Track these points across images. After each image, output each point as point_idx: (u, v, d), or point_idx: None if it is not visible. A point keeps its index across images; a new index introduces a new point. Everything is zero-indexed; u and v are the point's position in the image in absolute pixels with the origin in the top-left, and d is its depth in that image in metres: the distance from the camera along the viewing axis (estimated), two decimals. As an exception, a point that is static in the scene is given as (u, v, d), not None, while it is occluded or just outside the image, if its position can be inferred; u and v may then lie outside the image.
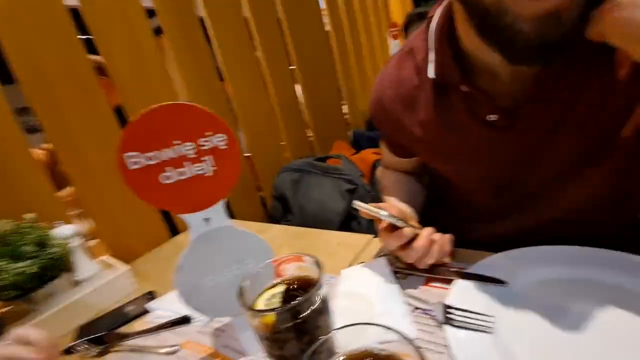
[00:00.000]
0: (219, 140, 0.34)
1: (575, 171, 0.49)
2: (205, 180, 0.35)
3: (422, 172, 0.68)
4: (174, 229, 0.91)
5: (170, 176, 0.33)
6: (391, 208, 0.48)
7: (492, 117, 0.45)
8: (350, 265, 0.56)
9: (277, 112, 1.35)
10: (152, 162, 0.32)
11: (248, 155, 1.23)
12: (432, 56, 0.47)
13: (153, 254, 0.79)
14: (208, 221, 0.36)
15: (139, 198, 0.32)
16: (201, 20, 1.10)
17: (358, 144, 1.37)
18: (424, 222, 0.52)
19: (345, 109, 1.85)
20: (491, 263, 0.45)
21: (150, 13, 0.95)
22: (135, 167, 0.31)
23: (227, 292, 0.36)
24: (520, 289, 0.40)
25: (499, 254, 0.47)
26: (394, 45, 2.26)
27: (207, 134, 0.34)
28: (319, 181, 0.79)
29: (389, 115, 0.56)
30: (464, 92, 0.45)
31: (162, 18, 0.98)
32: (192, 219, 0.35)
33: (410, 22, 1.42)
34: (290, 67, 1.44)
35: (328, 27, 1.77)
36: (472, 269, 0.45)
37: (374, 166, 0.97)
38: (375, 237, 0.62)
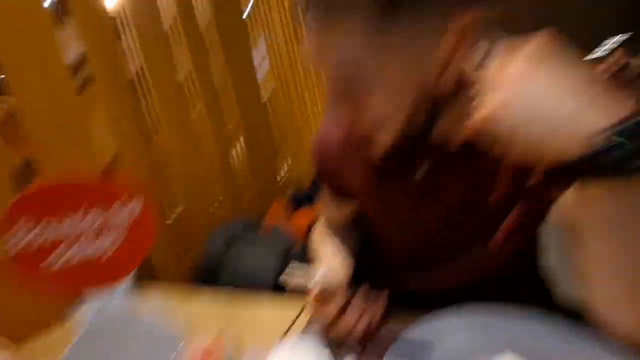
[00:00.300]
0: (130, 209, 0.32)
1: (464, 231, 0.54)
2: (104, 259, 0.31)
3: (358, 224, 0.70)
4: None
5: (62, 255, 0.28)
6: (322, 274, 0.48)
7: (415, 172, 0.51)
8: (285, 333, 0.53)
9: (214, 171, 1.33)
10: (41, 240, 0.27)
11: (180, 214, 1.16)
12: None
13: (51, 333, 0.66)
14: (105, 307, 0.32)
15: (20, 283, 0.27)
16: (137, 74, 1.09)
17: (296, 204, 1.38)
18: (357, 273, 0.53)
19: (285, 167, 1.89)
20: (424, 329, 0.46)
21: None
22: (21, 245, 0.26)
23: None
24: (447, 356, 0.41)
25: (426, 323, 0.47)
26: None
27: (115, 204, 0.31)
28: (252, 245, 0.76)
29: (331, 159, 0.61)
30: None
31: (93, 71, 0.95)
32: (86, 305, 0.31)
33: None
34: (230, 126, 1.46)
35: (273, 84, 1.85)
36: (404, 337, 0.45)
37: (309, 228, 0.97)
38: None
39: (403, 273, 0.63)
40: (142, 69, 1.10)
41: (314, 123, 2.23)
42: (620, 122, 0.28)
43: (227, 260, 0.78)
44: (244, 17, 1.75)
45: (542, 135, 0.30)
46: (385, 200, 0.57)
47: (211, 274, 0.81)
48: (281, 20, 2.00)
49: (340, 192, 0.67)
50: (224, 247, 0.80)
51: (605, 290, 0.35)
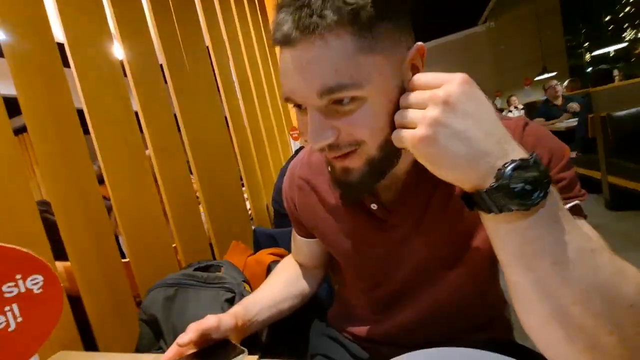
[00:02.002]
0: (32, 283, 0.29)
1: (433, 272, 0.55)
2: (5, 336, 0.28)
3: (320, 269, 0.75)
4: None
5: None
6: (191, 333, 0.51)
7: (374, 207, 0.53)
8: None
9: (168, 212, 1.27)
10: None
11: (126, 262, 1.09)
12: None
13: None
14: (3, 392, 0.28)
15: None
16: (80, 111, 1.03)
17: (259, 241, 1.35)
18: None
19: (248, 205, 1.86)
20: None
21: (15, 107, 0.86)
22: None
23: None
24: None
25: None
26: (295, 146, 2.47)
27: (16, 277, 0.28)
28: (197, 294, 0.71)
29: (295, 192, 0.65)
30: None
31: (28, 114, 0.89)
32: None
33: None
34: (188, 166, 1.43)
35: (231, 129, 1.86)
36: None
37: (269, 268, 0.95)
38: (261, 356, 0.57)
39: (370, 317, 0.63)
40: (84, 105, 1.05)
41: (272, 155, 2.25)
42: (517, 161, 0.32)
43: (168, 316, 0.73)
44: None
45: (460, 160, 0.34)
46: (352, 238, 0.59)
47: (150, 337, 0.75)
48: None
49: (303, 230, 0.69)
50: (164, 301, 0.74)
51: (531, 318, 0.37)
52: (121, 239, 1.13)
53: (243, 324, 0.60)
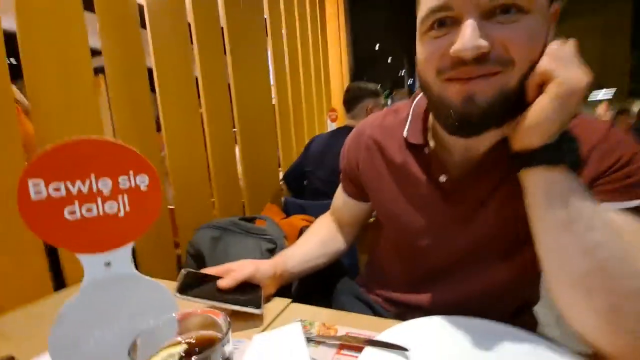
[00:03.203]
0: (140, 181, 0.34)
1: (482, 258, 0.56)
2: (115, 220, 0.33)
3: (356, 230, 0.77)
4: (61, 282, 0.78)
5: (76, 211, 0.30)
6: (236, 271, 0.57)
7: (443, 179, 0.54)
8: (264, 329, 0.53)
9: (211, 169, 1.35)
10: (58, 195, 0.29)
11: (171, 208, 1.17)
12: (409, 120, 0.59)
13: (25, 310, 0.65)
14: (109, 266, 0.33)
15: (33, 231, 0.28)
16: (150, 69, 1.12)
17: (288, 210, 1.40)
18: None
19: (280, 175, 1.92)
20: (398, 331, 0.47)
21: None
22: (38, 196, 0.28)
23: (115, 352, 0.32)
24: (422, 356, 0.43)
25: (405, 323, 0.49)
26: (331, 127, 2.49)
27: (128, 172, 0.33)
28: (240, 240, 0.76)
29: (362, 151, 0.65)
30: (425, 153, 0.56)
31: (108, 58, 0.97)
32: (90, 261, 0.32)
33: (356, 97, 1.59)
34: (233, 130, 1.49)
35: (274, 100, 1.91)
36: (379, 337, 0.46)
37: (301, 232, 0.99)
38: (293, 301, 0.61)
39: (407, 287, 0.64)
40: (154, 63, 1.13)
41: (308, 133, 2.28)
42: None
43: (213, 254, 0.79)
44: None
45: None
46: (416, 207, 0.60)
47: (198, 268, 0.82)
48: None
49: (354, 190, 0.71)
50: (211, 240, 0.81)
51: (558, 277, 0.41)
52: (167, 187, 1.21)
53: (282, 273, 0.64)
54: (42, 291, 0.72)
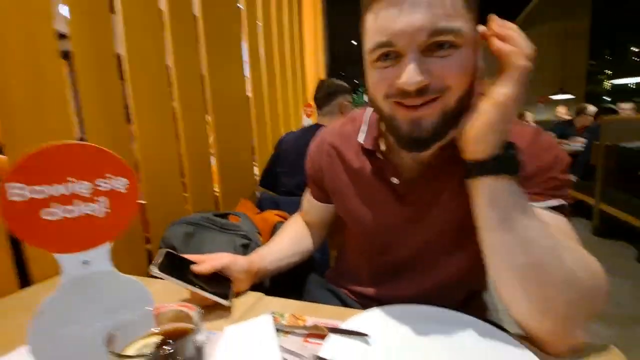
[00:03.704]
0: (118, 183, 0.35)
1: (437, 251, 0.62)
2: (94, 220, 0.34)
3: (324, 230, 0.82)
4: (25, 280, 0.76)
5: (55, 213, 0.31)
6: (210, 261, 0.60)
7: (395, 181, 0.60)
8: (237, 322, 0.56)
9: (184, 163, 1.33)
10: (37, 196, 0.30)
11: (142, 203, 1.15)
12: (364, 128, 0.64)
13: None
14: (87, 264, 0.35)
15: (13, 232, 0.30)
16: (118, 56, 1.08)
17: (262, 205, 1.41)
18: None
19: (256, 170, 1.92)
20: (360, 319, 0.52)
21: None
22: (17, 198, 0.29)
23: (94, 346, 0.34)
24: (381, 341, 0.47)
25: (367, 312, 0.54)
26: (307, 122, 2.51)
27: (107, 175, 0.35)
28: (214, 236, 0.78)
29: (323, 158, 0.70)
30: (379, 158, 0.61)
31: (76, 43, 0.94)
32: (68, 260, 0.33)
33: (331, 93, 1.59)
34: (207, 122, 1.48)
35: (249, 93, 1.90)
36: (343, 325, 0.51)
37: (275, 227, 1.02)
38: (265, 294, 0.65)
39: (370, 280, 0.69)
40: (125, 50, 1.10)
41: (285, 127, 2.29)
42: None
43: (186, 250, 0.80)
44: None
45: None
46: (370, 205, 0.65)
47: None
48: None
49: (320, 194, 0.75)
50: (184, 236, 0.82)
51: (499, 271, 0.47)
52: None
53: (257, 271, 0.67)
54: (7, 289, 0.70)
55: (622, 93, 7.90)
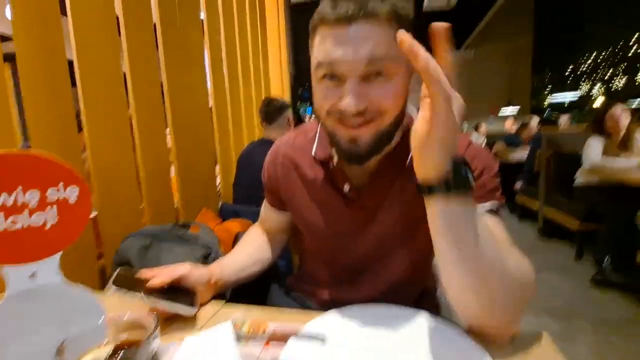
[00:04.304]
0: (69, 193, 0.35)
1: (389, 248, 0.66)
2: (42, 232, 0.33)
3: (283, 237, 0.84)
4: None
5: (3, 221, 0.30)
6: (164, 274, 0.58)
7: (346, 188, 0.64)
8: (198, 332, 0.56)
9: (141, 173, 1.29)
10: (-21, 207, 0.29)
11: (94, 216, 1.09)
12: (316, 139, 0.68)
13: None
14: (33, 277, 0.34)
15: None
16: (71, 62, 1.04)
17: (224, 215, 1.40)
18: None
19: (218, 180, 1.89)
20: (319, 323, 0.54)
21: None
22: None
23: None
24: (341, 342, 0.49)
25: (325, 314, 0.56)
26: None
27: (58, 184, 0.34)
28: (172, 248, 0.76)
29: (278, 168, 0.73)
30: (331, 168, 0.64)
31: (20, 46, 0.89)
32: (13, 273, 0.32)
33: (278, 109, 1.72)
34: (166, 131, 1.44)
35: (211, 103, 1.88)
36: (302, 329, 0.52)
37: (236, 237, 1.01)
38: (226, 301, 0.64)
39: (329, 284, 0.72)
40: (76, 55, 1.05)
41: (248, 137, 2.29)
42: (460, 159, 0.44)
43: (143, 264, 0.78)
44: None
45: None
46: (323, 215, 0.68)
47: None
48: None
49: (277, 202, 0.77)
50: (140, 249, 0.79)
51: (450, 284, 0.49)
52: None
53: (217, 281, 0.67)
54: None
55: (561, 106, 8.73)
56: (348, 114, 0.50)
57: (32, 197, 0.32)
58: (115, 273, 0.55)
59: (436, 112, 0.40)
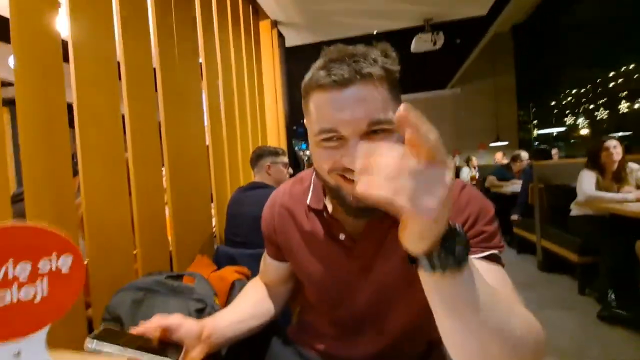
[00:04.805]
0: (62, 262, 0.33)
1: (390, 298, 0.64)
2: (30, 306, 0.31)
3: (285, 290, 0.81)
4: None
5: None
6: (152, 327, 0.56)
7: (342, 237, 0.63)
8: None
9: (135, 219, 1.26)
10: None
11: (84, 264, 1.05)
12: (311, 189, 0.69)
13: None
14: (18, 356, 0.31)
15: None
16: (70, 105, 1.05)
17: (219, 260, 1.36)
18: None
19: (214, 222, 1.86)
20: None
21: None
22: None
23: None
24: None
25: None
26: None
27: (51, 254, 0.33)
28: (166, 302, 0.72)
29: (276, 218, 0.72)
30: (326, 217, 0.64)
31: (21, 90, 0.89)
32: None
33: (258, 156, 1.85)
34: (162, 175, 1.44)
35: (208, 141, 1.90)
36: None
37: (233, 286, 0.98)
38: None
39: (330, 337, 0.69)
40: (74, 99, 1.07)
41: (244, 178, 2.29)
42: (454, 230, 0.38)
43: (134, 320, 0.73)
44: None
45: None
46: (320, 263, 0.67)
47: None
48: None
49: (276, 252, 0.76)
50: (131, 304, 0.75)
51: (452, 351, 0.45)
52: (81, 240, 1.09)
53: (210, 334, 0.63)
54: None
55: (547, 140, 9.01)
56: (353, 169, 0.50)
57: (22, 269, 0.30)
58: (97, 331, 0.51)
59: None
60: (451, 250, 0.37)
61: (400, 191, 0.31)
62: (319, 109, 0.53)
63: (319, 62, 0.55)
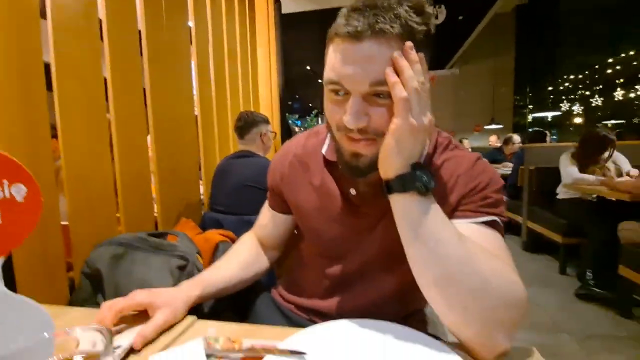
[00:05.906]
0: (15, 191, 0.31)
1: (383, 262, 0.64)
2: (-18, 234, 0.29)
3: (280, 247, 0.81)
4: None
5: None
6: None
7: (353, 192, 0.63)
8: (166, 348, 0.51)
9: (118, 181, 1.23)
10: None
11: (65, 225, 1.03)
12: (327, 140, 0.68)
13: None
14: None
15: None
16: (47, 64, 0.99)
17: (205, 225, 1.35)
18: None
19: (201, 189, 1.84)
20: (300, 338, 0.50)
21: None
22: None
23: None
24: (319, 358, 0.46)
25: (306, 330, 0.52)
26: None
27: (2, 182, 0.30)
28: (147, 258, 0.71)
29: (285, 169, 0.72)
30: (339, 170, 0.62)
31: None
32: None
33: (250, 123, 1.76)
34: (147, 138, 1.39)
35: (196, 111, 1.85)
36: (281, 345, 0.48)
37: (217, 247, 0.97)
38: (198, 317, 0.60)
39: (318, 295, 0.70)
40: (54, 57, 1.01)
41: (234, 147, 2.25)
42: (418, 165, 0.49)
43: (113, 275, 0.72)
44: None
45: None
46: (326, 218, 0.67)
47: (89, 291, 0.74)
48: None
49: (279, 205, 0.76)
50: (111, 258, 0.74)
51: (422, 280, 0.49)
52: (62, 200, 1.07)
53: (195, 302, 0.62)
54: None
55: (541, 124, 9.03)
56: (351, 128, 0.51)
57: (-30, 193, 0.28)
58: None
59: (395, 125, 0.47)
60: (419, 176, 0.49)
61: None
62: (331, 59, 0.51)
63: (345, 8, 0.51)
